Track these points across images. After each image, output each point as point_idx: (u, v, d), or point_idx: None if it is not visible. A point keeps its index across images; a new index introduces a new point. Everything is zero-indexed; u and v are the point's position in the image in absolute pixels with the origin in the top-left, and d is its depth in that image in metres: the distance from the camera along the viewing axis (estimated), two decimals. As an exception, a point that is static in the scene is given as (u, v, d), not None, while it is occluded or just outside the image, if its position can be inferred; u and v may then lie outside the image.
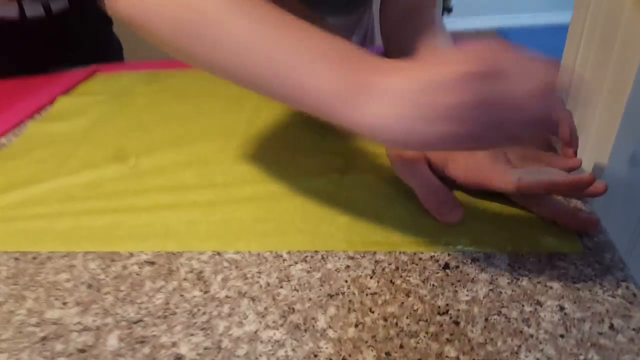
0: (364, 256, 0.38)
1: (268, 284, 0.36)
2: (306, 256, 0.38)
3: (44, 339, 0.34)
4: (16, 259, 0.41)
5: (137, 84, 0.72)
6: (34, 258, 0.41)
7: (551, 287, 0.34)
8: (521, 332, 0.31)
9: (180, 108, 0.63)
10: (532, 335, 0.31)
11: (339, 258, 0.38)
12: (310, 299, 0.35)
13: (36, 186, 0.49)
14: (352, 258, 0.38)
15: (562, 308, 0.33)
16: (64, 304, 0.36)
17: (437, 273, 0.36)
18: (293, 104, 0.33)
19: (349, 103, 0.29)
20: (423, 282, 0.35)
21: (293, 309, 0.34)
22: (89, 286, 0.38)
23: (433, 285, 0.35)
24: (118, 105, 0.65)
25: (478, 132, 0.27)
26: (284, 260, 0.38)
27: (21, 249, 0.42)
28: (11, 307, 0.36)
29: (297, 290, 0.35)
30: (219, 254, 0.39)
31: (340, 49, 0.31)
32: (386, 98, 0.28)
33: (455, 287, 0.35)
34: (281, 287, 0.36)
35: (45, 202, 0.47)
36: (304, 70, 0.30)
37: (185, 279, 0.37)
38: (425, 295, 0.34)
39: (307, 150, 0.52)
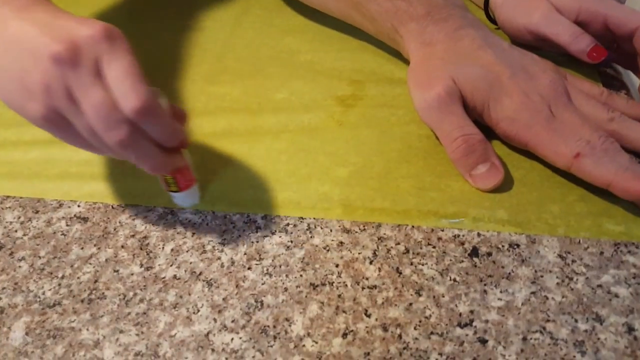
0: (364, 229, 0.28)
1: (232, 262, 0.27)
2: (287, 224, 0.29)
3: None
4: None
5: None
6: None
7: (616, 295, 0.25)
8: None
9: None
10: (586, 365, 0.22)
11: (331, 230, 0.28)
12: (286, 290, 0.26)
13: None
14: (347, 231, 0.28)
15: (631, 329, 0.24)
16: (-36, 271, 0.28)
17: (462, 262, 0.26)
18: None
19: None
20: (441, 274, 0.26)
21: (261, 302, 0.25)
22: (0, 247, 0.29)
23: (454, 280, 0.26)
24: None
25: None
26: (258, 227, 0.29)
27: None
28: None
29: (270, 275, 0.26)
30: (172, 212, 0.30)
31: None
32: None
33: (485, 284, 0.25)
34: (249, 267, 0.27)
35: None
36: None
37: (123, 247, 0.28)
38: (443, 295, 0.25)
39: (306, 68, 0.39)
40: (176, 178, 0.27)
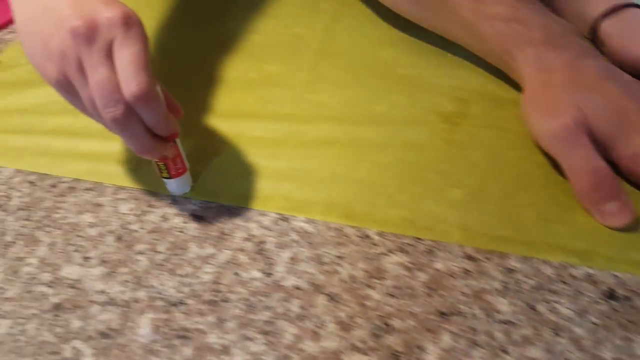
0: (488, 258, 0.27)
1: (352, 278, 0.26)
2: (404, 244, 0.28)
3: (57, 307, 0.26)
4: (31, 183, 0.32)
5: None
6: (53, 186, 0.32)
7: None
8: None
9: (230, 7, 0.49)
10: None
11: (453, 255, 0.27)
12: (413, 314, 0.25)
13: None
14: (471, 258, 0.27)
15: None
16: (85, 259, 0.28)
17: (598, 303, 0.25)
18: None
19: None
20: (579, 315, 0.25)
21: (388, 325, 0.25)
22: (118, 238, 0.29)
23: (593, 323, 0.24)
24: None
25: None
26: (374, 244, 0.28)
27: (38, 169, 0.33)
28: (20, 251, 0.28)
29: (394, 297, 0.26)
30: (285, 218, 0.30)
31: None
32: None
33: (627, 331, 0.24)
34: (371, 286, 0.26)
35: (73, 112, 0.37)
36: None
37: (241, 249, 0.28)
38: (583, 339, 0.24)
39: (405, 83, 0.39)
40: (167, 165, 0.28)
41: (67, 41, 0.24)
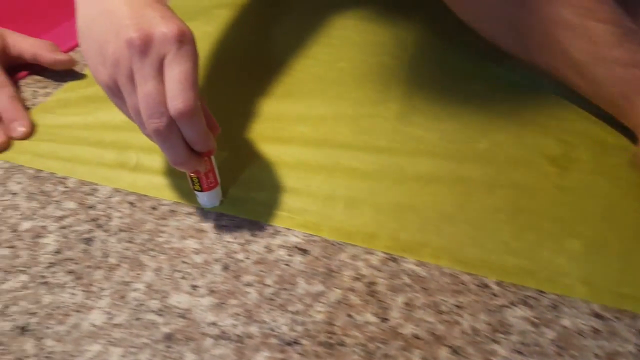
0: (618, 318, 0.26)
1: (475, 331, 0.25)
2: (527, 296, 0.26)
3: (169, 338, 0.25)
4: (131, 203, 0.32)
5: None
6: (154, 208, 0.32)
7: None
8: None
9: (318, 31, 0.49)
10: None
11: (580, 312, 0.26)
12: (546, 376, 0.23)
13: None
14: (600, 317, 0.26)
15: None
16: (193, 287, 0.27)
17: None
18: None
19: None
20: None
21: (521, 385, 0.23)
22: (225, 267, 0.28)
23: None
24: (218, 25, 0.52)
25: None
26: (494, 294, 0.27)
27: (137, 190, 0.33)
28: (126, 275, 0.28)
29: (522, 354, 0.24)
30: (393, 259, 0.29)
31: None
32: None
33: None
34: (496, 341, 0.25)
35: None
36: None
37: (351, 289, 0.27)
38: None
39: (502, 119, 0.37)
40: (200, 178, 0.29)
41: (121, 50, 0.25)
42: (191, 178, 0.30)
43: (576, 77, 0.35)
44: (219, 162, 0.30)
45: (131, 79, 0.25)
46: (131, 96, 0.26)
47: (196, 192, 0.31)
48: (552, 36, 0.35)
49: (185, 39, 0.25)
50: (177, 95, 0.25)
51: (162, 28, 0.25)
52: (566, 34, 0.34)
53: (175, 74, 0.25)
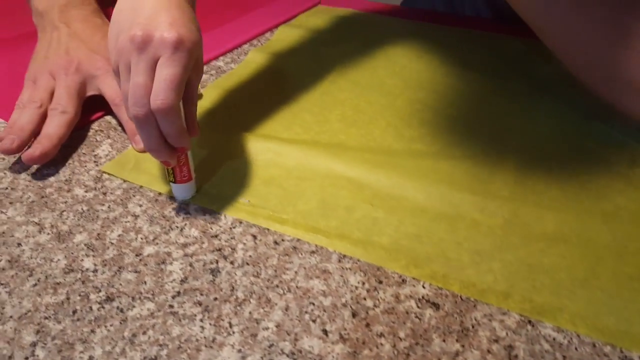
0: None
1: (633, 413, 0.23)
2: (683, 379, 0.25)
3: (307, 385, 0.24)
4: (253, 236, 0.32)
5: (355, 25, 0.60)
6: (276, 243, 0.31)
7: None
8: None
9: (405, 68, 0.50)
10: None
11: None
12: None
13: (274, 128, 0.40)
14: None
15: None
16: (324, 332, 0.27)
17: None
18: None
19: None
20: None
21: None
22: (354, 314, 0.27)
23: None
24: (329, 48, 0.54)
25: None
26: (645, 373, 0.25)
27: (260, 222, 0.33)
28: (255, 311, 0.28)
29: None
30: (530, 322, 0.27)
31: None
32: None
33: None
34: None
35: (284, 167, 0.37)
36: None
37: (489, 351, 0.26)
38: None
39: (626, 181, 0.36)
40: (174, 170, 0.33)
41: (126, 42, 0.29)
42: (167, 170, 0.33)
43: None
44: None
45: (128, 68, 0.29)
46: (125, 83, 0.30)
47: (171, 183, 0.34)
48: None
49: (181, 47, 0.29)
50: (160, 92, 0.28)
51: (164, 32, 0.28)
52: None
53: (164, 75, 0.28)
